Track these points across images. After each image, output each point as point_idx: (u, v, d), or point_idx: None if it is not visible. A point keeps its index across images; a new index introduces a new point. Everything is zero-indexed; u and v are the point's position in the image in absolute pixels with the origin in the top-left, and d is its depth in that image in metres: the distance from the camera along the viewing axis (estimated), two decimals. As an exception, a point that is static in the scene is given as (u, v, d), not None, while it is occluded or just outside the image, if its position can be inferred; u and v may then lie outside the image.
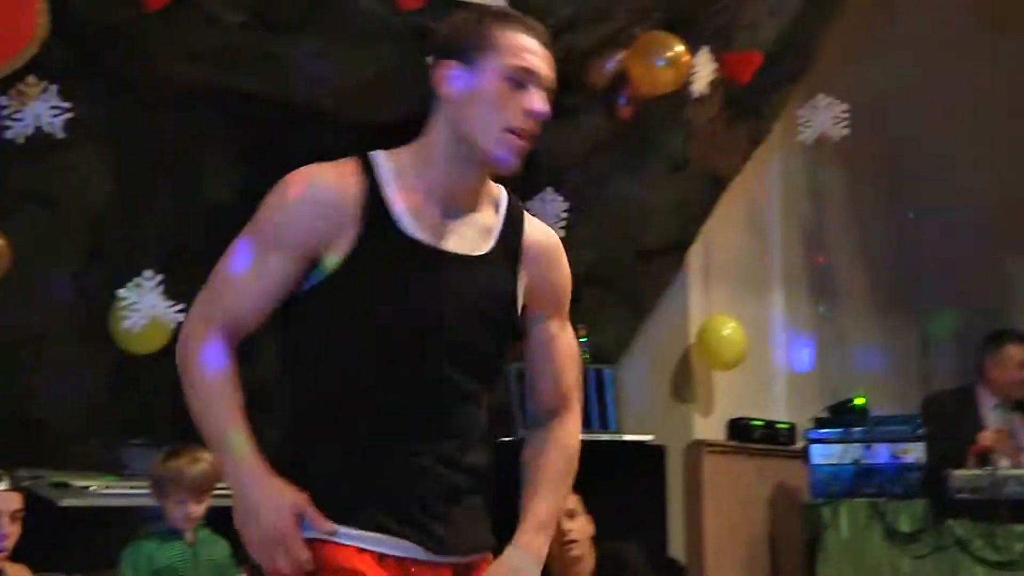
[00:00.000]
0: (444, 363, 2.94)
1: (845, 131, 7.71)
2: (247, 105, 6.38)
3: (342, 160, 2.95)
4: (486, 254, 3.04)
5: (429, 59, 3.01)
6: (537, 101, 2.87)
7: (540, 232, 3.24)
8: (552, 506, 3.25)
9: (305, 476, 2.89)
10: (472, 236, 3.04)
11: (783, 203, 8.48)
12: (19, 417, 6.09)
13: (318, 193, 2.87)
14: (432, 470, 2.97)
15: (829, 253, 8.86)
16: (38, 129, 5.66)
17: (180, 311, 5.99)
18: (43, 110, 5.65)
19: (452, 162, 2.95)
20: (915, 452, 7.42)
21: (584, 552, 6.12)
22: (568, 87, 6.82)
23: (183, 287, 5.79)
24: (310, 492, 2.88)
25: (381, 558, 2.90)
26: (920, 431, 7.61)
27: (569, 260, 7.42)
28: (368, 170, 2.95)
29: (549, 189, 7.16)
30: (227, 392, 2.89)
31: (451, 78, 2.90)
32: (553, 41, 6.77)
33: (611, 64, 6.98)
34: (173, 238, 6.44)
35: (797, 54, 7.72)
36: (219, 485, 5.36)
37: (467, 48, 2.92)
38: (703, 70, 7.08)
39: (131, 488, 5.97)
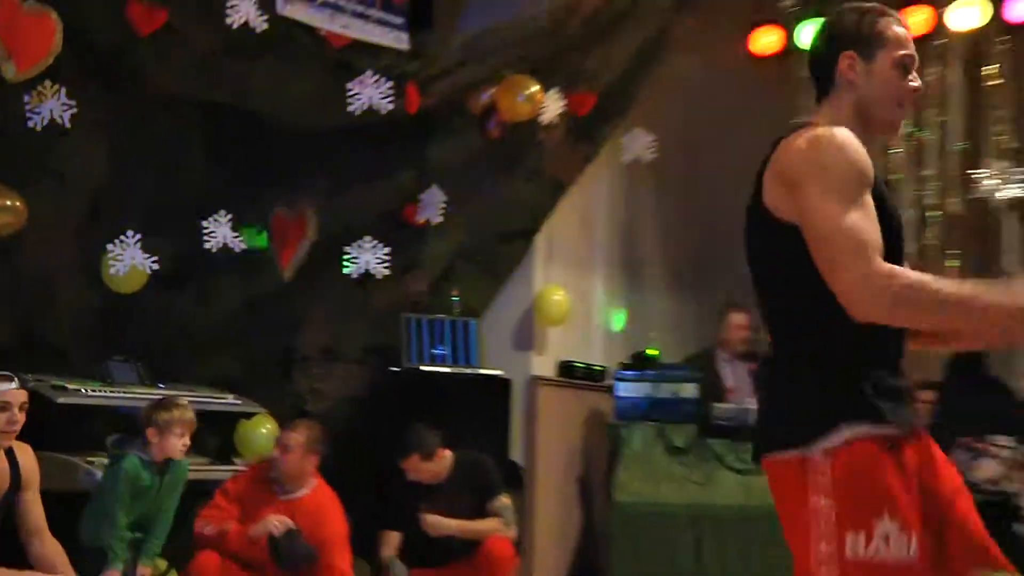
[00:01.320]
0: None
1: (653, 155, 7.95)
2: (215, 111, 6.48)
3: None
4: None
5: (828, 50, 3.04)
6: (917, 81, 3.01)
7: None
8: None
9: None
10: None
11: (606, 204, 8.49)
12: (29, 338, 6.12)
13: (859, 145, 2.80)
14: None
15: (639, 242, 8.95)
16: (51, 121, 5.74)
17: (154, 262, 6.17)
18: (55, 106, 5.74)
19: (856, 128, 2.93)
20: (690, 391, 7.56)
21: (442, 467, 6.33)
22: (452, 112, 7.08)
23: (156, 244, 6.21)
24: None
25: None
26: (693, 376, 7.77)
27: (446, 241, 7.54)
28: None
29: (434, 186, 7.23)
30: (943, 281, 2.77)
31: (854, 66, 2.97)
32: (442, 79, 7.10)
33: (485, 96, 7.17)
34: (152, 208, 6.43)
35: (623, 96, 7.82)
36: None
37: (865, 42, 2.98)
38: (553, 105, 7.23)
39: (111, 392, 6.06)
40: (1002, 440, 7.28)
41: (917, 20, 7.79)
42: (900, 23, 3.04)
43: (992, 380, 7.95)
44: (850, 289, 2.75)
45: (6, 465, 4.81)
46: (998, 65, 7.88)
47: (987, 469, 7.31)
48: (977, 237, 8.61)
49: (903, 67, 2.96)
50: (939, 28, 7.97)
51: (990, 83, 7.92)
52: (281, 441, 5.95)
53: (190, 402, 6.10)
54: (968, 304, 2.76)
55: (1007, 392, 7.77)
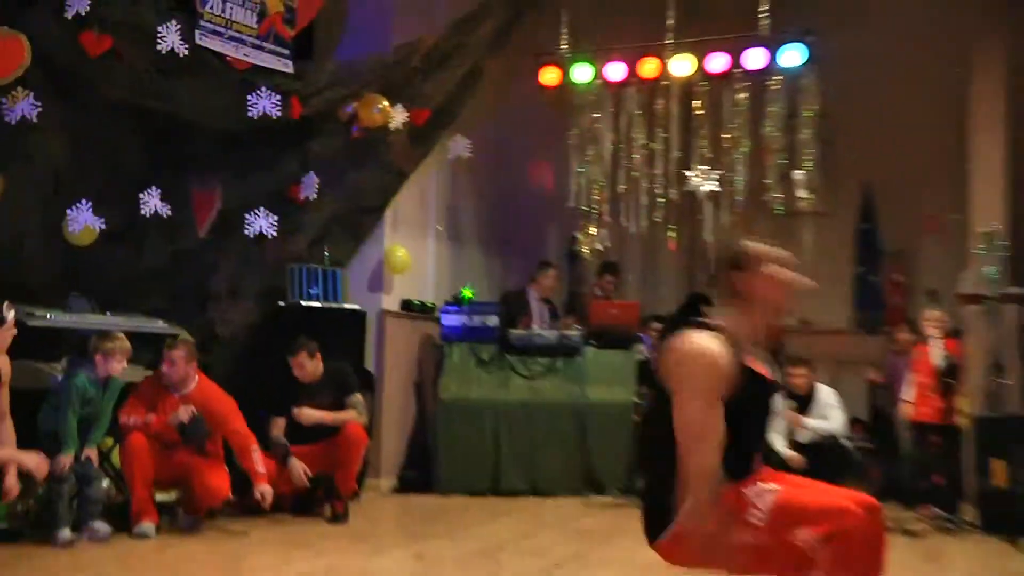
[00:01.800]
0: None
1: (469, 154, 8.00)
2: (148, 114, 6.49)
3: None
4: None
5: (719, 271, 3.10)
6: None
7: None
8: None
9: None
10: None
11: (436, 188, 8.64)
12: (9, 279, 5.96)
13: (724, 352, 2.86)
14: None
15: (459, 216, 9.04)
16: (23, 117, 5.82)
17: (102, 224, 6.20)
18: (26, 107, 5.81)
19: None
20: (493, 320, 7.85)
21: (316, 369, 6.46)
22: (324, 119, 7.21)
23: (104, 211, 6.22)
24: None
25: None
26: (496, 310, 8.04)
27: (319, 212, 7.57)
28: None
29: (312, 172, 7.22)
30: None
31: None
32: (317, 95, 7.31)
33: (349, 108, 7.26)
34: (100, 184, 6.47)
35: (449, 112, 7.86)
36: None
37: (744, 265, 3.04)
38: (398, 116, 7.29)
39: (69, 318, 6.14)
40: None
41: (650, 67, 8.24)
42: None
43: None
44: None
45: None
46: (701, 101, 8.28)
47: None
48: (687, 217, 9.03)
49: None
50: (664, 74, 8.30)
51: (696, 112, 8.27)
52: (167, 357, 5.92)
53: (130, 327, 6.19)
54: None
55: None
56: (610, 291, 9.03)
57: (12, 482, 4.78)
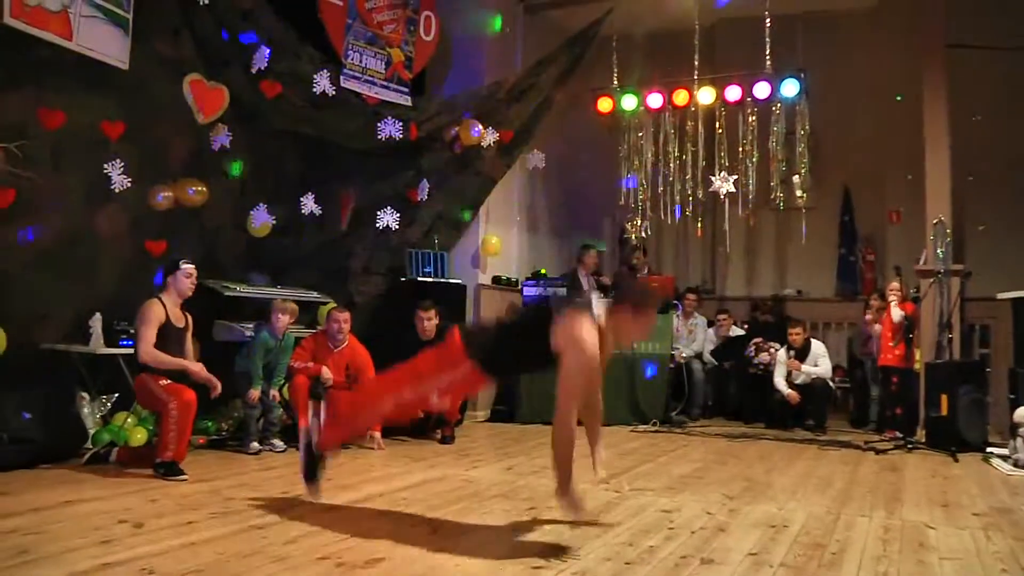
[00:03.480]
0: None
1: (543, 165, 8.24)
2: (305, 139, 6.68)
3: None
4: None
5: None
6: None
7: None
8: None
9: None
10: None
11: (518, 191, 8.59)
12: (210, 262, 6.02)
13: None
14: None
15: (535, 212, 9.07)
16: (221, 145, 6.04)
17: (274, 220, 6.40)
18: (223, 138, 6.03)
19: None
20: (562, 292, 7.75)
21: (433, 327, 6.43)
22: (433, 139, 7.29)
23: (275, 210, 6.44)
24: None
25: None
26: (563, 283, 8.09)
27: (430, 210, 7.62)
28: None
29: (424, 179, 7.31)
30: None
31: None
32: (429, 121, 7.45)
33: (453, 131, 7.36)
34: (272, 190, 6.55)
35: (527, 132, 7.90)
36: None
37: None
38: (490, 136, 7.40)
39: (253, 290, 6.37)
40: (775, 345, 7.79)
41: (681, 97, 8.31)
42: None
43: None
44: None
45: (185, 316, 5.04)
46: (720, 122, 8.26)
47: (763, 358, 7.89)
48: (710, 211, 9.16)
49: None
50: (692, 102, 8.33)
51: (717, 131, 8.26)
52: (333, 317, 5.99)
53: (293, 296, 6.43)
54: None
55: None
56: (641, 264, 9.08)
57: (208, 377, 4.97)
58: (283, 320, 5.80)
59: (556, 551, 3.26)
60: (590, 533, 3.56)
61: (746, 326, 8.90)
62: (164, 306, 4.94)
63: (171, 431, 4.66)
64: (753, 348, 8.05)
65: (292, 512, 3.86)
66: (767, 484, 4.84)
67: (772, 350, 7.80)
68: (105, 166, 5.43)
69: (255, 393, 5.69)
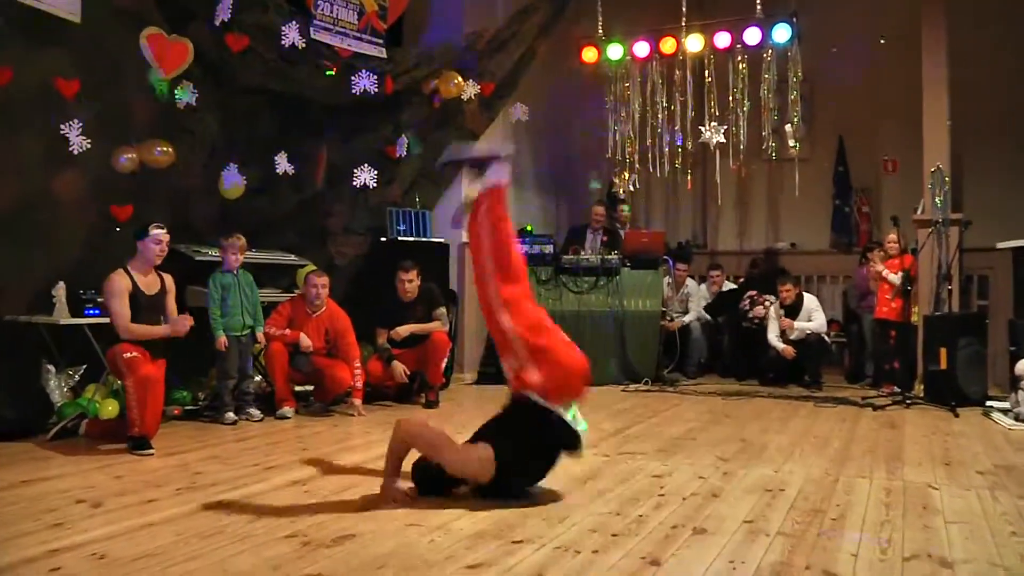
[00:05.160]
0: None
1: (526, 118, 7.99)
2: (276, 95, 6.39)
3: None
4: None
5: None
6: None
7: None
8: None
9: None
10: None
11: (502, 143, 7.49)
12: (180, 224, 5.74)
13: None
14: None
15: (520, 166, 8.53)
16: (187, 103, 5.80)
17: (244, 180, 6.15)
18: (189, 95, 5.78)
19: None
20: (548, 249, 7.73)
21: (415, 288, 6.31)
22: (412, 92, 7.10)
23: (247, 170, 6.23)
24: None
25: None
26: (549, 240, 7.90)
27: (410, 167, 7.43)
28: None
29: (404, 135, 7.14)
30: None
31: None
32: (406, 74, 7.22)
33: (432, 83, 7.20)
34: (243, 149, 6.33)
35: (509, 84, 7.70)
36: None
37: None
38: (471, 89, 7.25)
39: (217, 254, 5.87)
40: (770, 298, 7.69)
41: (669, 45, 8.04)
42: None
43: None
44: None
45: (159, 281, 4.86)
46: (709, 71, 7.97)
47: (758, 311, 7.77)
48: (700, 163, 9.01)
49: None
50: (680, 50, 8.05)
51: (706, 80, 7.99)
52: (311, 281, 5.85)
53: (269, 259, 6.32)
54: None
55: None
56: (624, 219, 8.90)
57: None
58: (230, 254, 5.57)
59: (538, 523, 3.08)
60: (576, 502, 3.40)
61: (740, 279, 8.71)
62: (130, 275, 4.75)
63: (131, 407, 4.48)
64: (748, 302, 7.92)
65: (261, 486, 3.70)
66: (762, 445, 4.70)
67: (767, 303, 7.66)
68: (62, 126, 5.18)
69: (222, 339, 5.48)
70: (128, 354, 4.59)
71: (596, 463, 4.15)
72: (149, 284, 4.83)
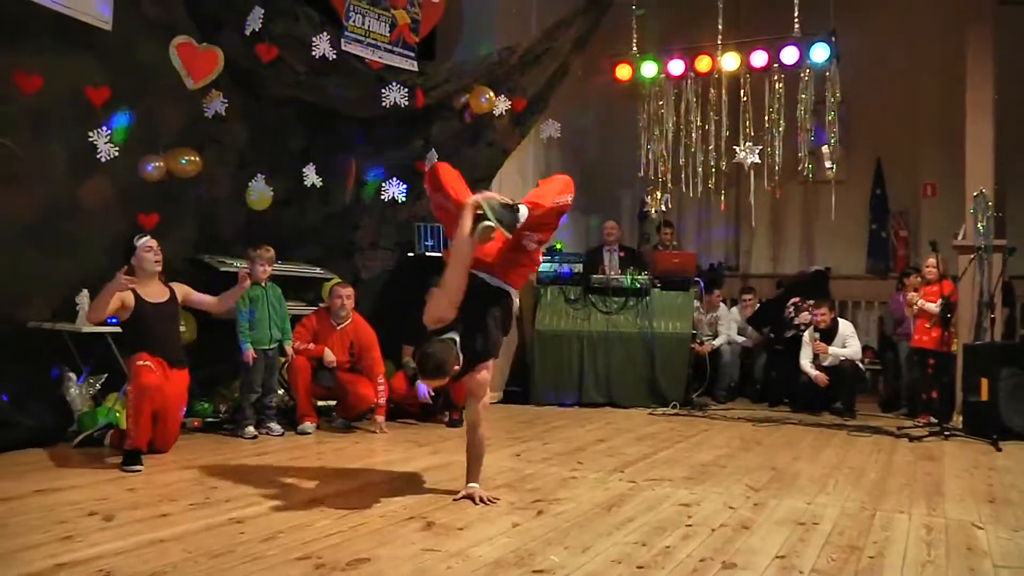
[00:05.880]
0: None
1: (558, 135, 7.70)
2: (306, 105, 6.36)
3: None
4: None
5: None
6: None
7: None
8: None
9: None
10: None
11: (532, 161, 8.25)
12: (207, 234, 6.05)
13: None
14: None
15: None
16: (216, 112, 5.75)
17: (273, 192, 6.06)
18: (218, 104, 5.74)
19: None
20: (578, 267, 7.68)
21: None
22: (443, 107, 7.00)
23: (276, 182, 6.16)
24: None
25: None
26: (579, 259, 7.85)
27: (440, 175, 7.41)
28: None
29: (433, 150, 6.97)
30: None
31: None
32: (437, 88, 7.15)
33: (463, 98, 7.07)
34: (273, 161, 6.30)
35: (541, 100, 7.58)
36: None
37: None
38: (502, 105, 7.11)
39: (243, 265, 5.81)
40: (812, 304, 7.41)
41: (704, 63, 7.94)
42: None
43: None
44: None
45: (167, 289, 4.82)
46: (745, 90, 7.83)
47: (804, 318, 7.51)
48: (734, 184, 8.95)
49: None
50: (715, 68, 7.93)
51: (742, 99, 7.84)
52: (336, 294, 5.81)
53: (295, 272, 6.27)
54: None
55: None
56: (669, 241, 8.76)
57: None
58: (259, 266, 5.52)
59: (560, 552, 2.96)
60: (600, 530, 3.26)
61: (780, 288, 8.54)
62: (132, 290, 4.67)
63: (128, 416, 4.41)
64: (792, 308, 7.69)
65: (277, 503, 3.61)
66: (794, 474, 4.53)
67: (809, 308, 7.42)
68: (90, 134, 5.16)
69: (250, 352, 5.42)
70: (140, 361, 4.53)
71: (621, 489, 4.02)
72: (154, 294, 4.79)
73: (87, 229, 5.33)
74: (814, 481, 4.36)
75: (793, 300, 7.74)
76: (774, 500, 3.88)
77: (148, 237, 4.78)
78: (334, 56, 6.12)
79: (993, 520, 3.59)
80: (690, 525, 3.39)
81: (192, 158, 5.70)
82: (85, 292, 5.19)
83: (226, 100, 5.83)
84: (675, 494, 3.96)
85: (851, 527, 3.41)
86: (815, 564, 2.89)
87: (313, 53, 6.02)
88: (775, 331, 7.87)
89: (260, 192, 6.23)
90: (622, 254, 8.18)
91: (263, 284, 5.59)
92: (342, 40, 6.27)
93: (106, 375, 5.30)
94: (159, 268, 4.81)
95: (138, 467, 4.27)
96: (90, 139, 5.15)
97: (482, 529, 3.24)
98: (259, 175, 6.21)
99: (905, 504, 3.86)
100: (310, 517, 3.38)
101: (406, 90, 6.62)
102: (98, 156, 5.18)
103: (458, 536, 3.14)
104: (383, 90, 6.55)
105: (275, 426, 5.55)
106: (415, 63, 6.88)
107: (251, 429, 5.42)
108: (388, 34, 6.68)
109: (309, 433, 5.61)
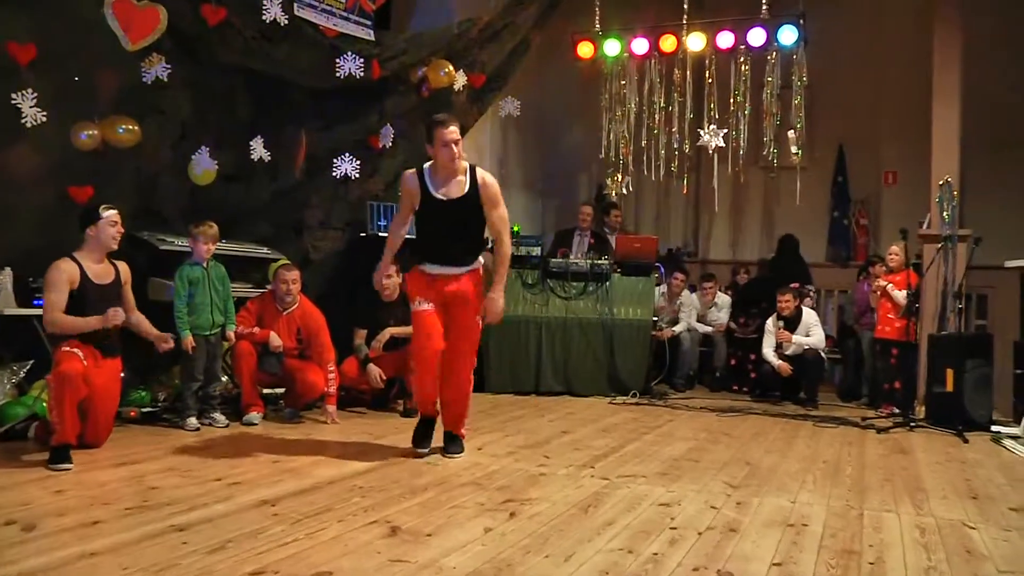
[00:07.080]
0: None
1: (518, 112, 7.52)
2: (254, 74, 6.03)
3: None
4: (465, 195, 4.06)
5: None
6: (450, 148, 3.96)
7: (484, 176, 4.18)
8: (503, 276, 4.25)
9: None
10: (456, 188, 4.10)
11: (490, 140, 8.20)
12: (146, 210, 5.69)
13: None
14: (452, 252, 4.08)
15: (508, 163, 8.59)
16: (157, 78, 5.38)
17: (217, 166, 5.78)
18: (159, 69, 5.38)
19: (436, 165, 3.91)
20: (536, 251, 7.37)
21: (395, 287, 5.90)
22: (399, 80, 6.78)
23: (218, 155, 5.86)
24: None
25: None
26: (537, 243, 7.53)
27: (394, 159, 7.21)
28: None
29: (388, 125, 6.82)
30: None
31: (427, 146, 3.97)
32: (394, 59, 6.88)
33: (420, 72, 6.89)
34: (216, 132, 5.99)
35: (501, 77, 7.46)
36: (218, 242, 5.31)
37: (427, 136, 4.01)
38: (460, 79, 6.99)
39: (184, 243, 5.56)
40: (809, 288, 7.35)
41: (669, 43, 7.77)
42: (444, 126, 4.08)
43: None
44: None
45: (113, 269, 4.50)
46: (710, 71, 7.74)
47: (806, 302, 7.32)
48: (696, 167, 8.85)
49: (442, 144, 4.04)
50: (680, 48, 7.82)
51: (707, 81, 7.75)
52: (282, 277, 5.52)
53: (241, 252, 5.92)
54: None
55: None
56: (616, 224, 8.53)
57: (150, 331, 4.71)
58: (200, 244, 5.18)
59: (541, 562, 2.71)
60: (580, 535, 3.02)
61: (746, 273, 8.47)
62: (79, 264, 4.33)
63: (50, 408, 4.04)
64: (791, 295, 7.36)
65: (224, 506, 3.28)
66: (769, 469, 4.38)
67: (809, 292, 7.35)
68: (14, 96, 4.72)
69: (189, 340, 5.07)
70: (65, 347, 4.18)
71: (595, 487, 3.80)
72: (100, 273, 4.43)
73: (10, 202, 4.92)
74: (792, 477, 4.21)
75: (792, 285, 7.49)
76: (756, 498, 3.70)
77: (115, 211, 4.42)
78: (286, 21, 5.82)
79: (982, 519, 3.47)
80: (675, 528, 3.18)
81: (130, 127, 5.31)
82: (8, 271, 4.83)
83: (168, 66, 5.45)
84: (652, 492, 3.75)
85: (842, 529, 3.24)
86: (815, 572, 2.70)
87: (264, 17, 5.71)
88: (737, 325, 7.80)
89: (204, 166, 5.89)
90: (592, 240, 8.01)
91: (204, 263, 5.24)
92: (295, 4, 5.94)
93: (32, 361, 4.89)
94: (116, 247, 4.47)
95: (67, 465, 3.90)
96: (13, 101, 4.71)
97: (452, 535, 2.97)
98: (203, 147, 5.86)
99: (890, 502, 3.72)
100: (262, 522, 3.07)
101: (361, 60, 6.33)
102: (23, 120, 4.75)
103: (427, 544, 2.86)
104: (337, 60, 6.26)
105: (219, 416, 5.22)
106: (371, 32, 6.61)
107: (193, 420, 5.08)
108: (344, 1, 6.33)
109: (256, 424, 5.29)
